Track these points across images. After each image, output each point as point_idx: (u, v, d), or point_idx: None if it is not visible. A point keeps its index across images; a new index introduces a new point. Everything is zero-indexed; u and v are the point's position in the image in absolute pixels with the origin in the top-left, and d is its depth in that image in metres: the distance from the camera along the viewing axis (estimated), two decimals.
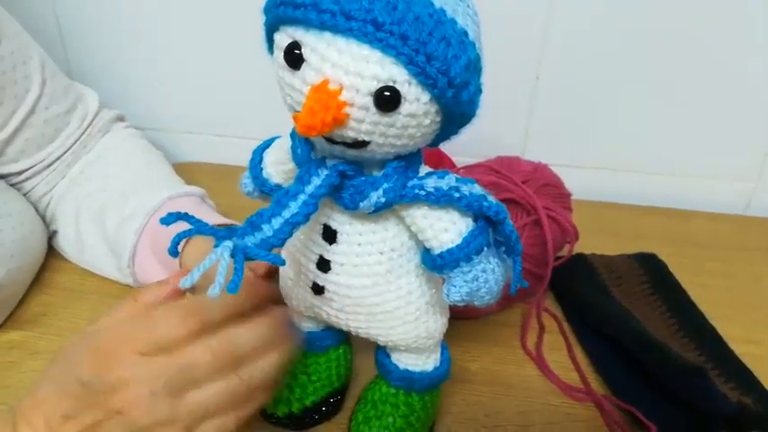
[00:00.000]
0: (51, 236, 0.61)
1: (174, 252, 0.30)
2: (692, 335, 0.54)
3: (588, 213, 0.62)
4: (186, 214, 0.30)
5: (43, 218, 0.60)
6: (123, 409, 0.32)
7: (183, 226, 0.32)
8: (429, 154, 0.59)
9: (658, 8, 0.66)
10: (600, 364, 0.52)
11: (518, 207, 0.54)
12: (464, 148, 0.59)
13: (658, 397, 0.47)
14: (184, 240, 0.50)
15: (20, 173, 0.57)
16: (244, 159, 0.40)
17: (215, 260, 0.28)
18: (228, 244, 0.29)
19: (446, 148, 0.62)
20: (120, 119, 0.65)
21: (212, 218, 0.56)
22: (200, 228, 0.30)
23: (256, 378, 0.36)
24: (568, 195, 0.58)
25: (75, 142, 0.60)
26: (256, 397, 0.37)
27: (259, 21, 0.31)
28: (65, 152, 0.59)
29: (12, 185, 0.57)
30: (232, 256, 0.29)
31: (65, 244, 0.59)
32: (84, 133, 0.60)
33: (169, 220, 0.30)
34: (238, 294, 0.29)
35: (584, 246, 0.59)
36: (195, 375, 0.34)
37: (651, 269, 0.61)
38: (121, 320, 0.37)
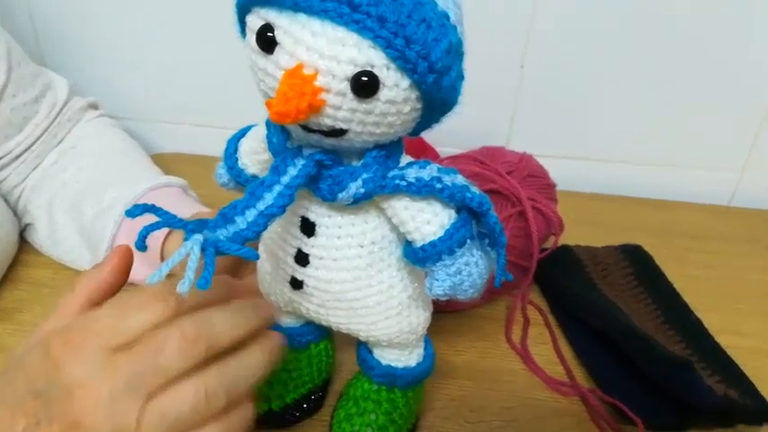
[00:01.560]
0: (23, 229, 0.59)
1: (141, 246, 0.29)
2: (678, 327, 0.53)
3: (573, 204, 0.61)
4: (153, 206, 0.29)
5: (14, 211, 0.58)
6: (80, 417, 0.27)
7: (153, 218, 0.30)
8: (412, 144, 0.58)
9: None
10: (585, 357, 0.51)
11: (502, 198, 0.53)
12: (448, 138, 0.59)
13: (644, 390, 0.47)
14: (166, 232, 0.50)
15: None
16: (223, 150, 0.39)
17: (184, 254, 0.27)
18: (198, 237, 0.28)
19: (429, 137, 0.61)
20: (93, 106, 0.63)
21: (196, 209, 0.55)
22: (167, 220, 0.29)
23: (238, 377, 0.30)
24: (553, 186, 0.58)
25: (43, 132, 0.58)
26: (239, 405, 0.31)
27: None
28: (34, 142, 0.57)
29: None
30: (203, 249, 0.28)
31: (37, 236, 0.58)
32: (53, 122, 0.58)
33: (135, 212, 0.28)
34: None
35: (570, 237, 0.58)
36: (163, 364, 0.28)
37: (636, 261, 0.60)
38: (72, 315, 0.31)
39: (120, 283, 0.34)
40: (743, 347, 0.52)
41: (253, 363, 0.32)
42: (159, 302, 0.29)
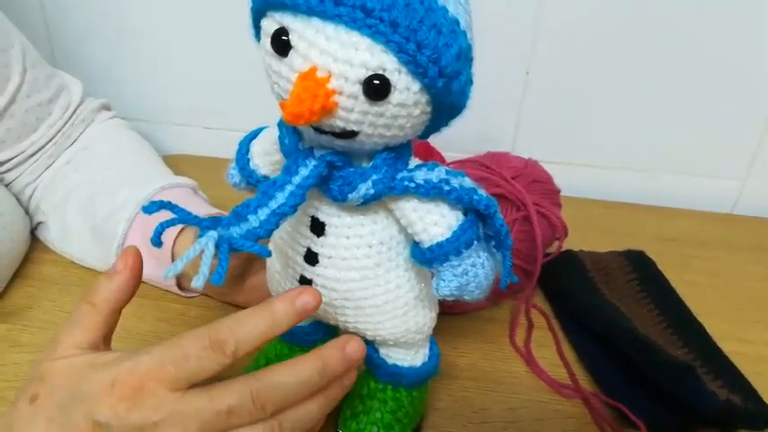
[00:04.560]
0: (35, 227, 0.60)
1: (156, 242, 0.30)
2: (680, 332, 0.53)
3: (577, 210, 0.62)
4: (169, 203, 0.30)
5: (26, 209, 0.59)
6: None
7: (168, 215, 0.31)
8: (418, 148, 0.59)
9: (649, 7, 0.66)
10: (588, 361, 0.51)
11: (507, 203, 0.54)
12: (454, 143, 0.59)
13: (646, 394, 0.47)
14: (178, 231, 0.51)
15: (1, 164, 0.56)
16: (232, 152, 0.40)
17: (199, 250, 0.28)
18: (213, 234, 0.28)
19: (436, 142, 0.62)
20: (106, 108, 0.64)
21: (205, 209, 0.55)
22: (183, 217, 0.30)
23: (299, 424, 0.33)
24: (558, 192, 0.58)
25: (57, 132, 0.59)
26: None
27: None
28: (47, 142, 0.58)
29: None
30: (217, 246, 0.28)
31: (49, 234, 0.59)
32: (66, 123, 0.59)
33: (152, 208, 0.29)
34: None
35: (573, 242, 0.59)
36: (233, 422, 0.30)
37: (639, 266, 0.61)
38: (146, 352, 0.31)
39: (136, 285, 0.35)
40: (746, 354, 0.52)
41: (315, 410, 0.33)
42: (218, 353, 0.30)
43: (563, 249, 0.57)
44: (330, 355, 0.32)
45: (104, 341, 0.34)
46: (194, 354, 0.30)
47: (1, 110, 0.54)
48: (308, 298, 0.32)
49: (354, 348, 0.33)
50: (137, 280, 0.35)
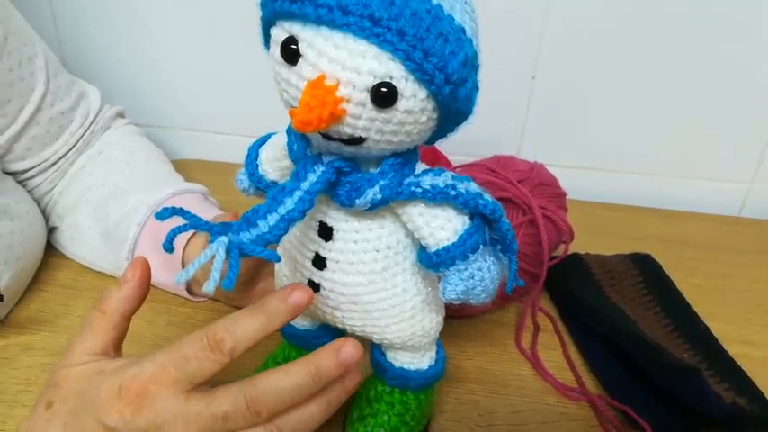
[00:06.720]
0: (49, 232, 0.61)
1: (168, 248, 0.30)
2: (687, 335, 0.54)
3: (583, 213, 0.62)
4: (182, 209, 0.30)
5: (43, 213, 0.60)
6: None
7: (179, 221, 0.32)
8: (425, 152, 0.59)
9: (655, 10, 0.66)
10: (594, 364, 0.52)
11: (513, 206, 0.54)
12: (460, 147, 0.60)
13: (652, 397, 0.47)
14: (188, 236, 0.51)
15: (25, 171, 0.57)
16: (242, 157, 0.40)
17: (210, 256, 0.28)
18: (224, 239, 0.29)
19: (442, 146, 0.62)
20: (121, 115, 0.65)
21: (215, 215, 0.56)
22: (195, 223, 0.30)
23: (301, 425, 0.34)
24: (564, 195, 0.59)
25: (78, 140, 0.60)
26: None
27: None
28: (69, 150, 0.59)
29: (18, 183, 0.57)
30: (227, 251, 0.29)
31: (62, 238, 0.59)
32: (87, 131, 0.60)
33: (164, 214, 0.30)
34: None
35: (580, 245, 0.59)
36: (230, 426, 0.32)
37: (646, 269, 0.61)
38: (149, 359, 0.32)
39: (145, 294, 0.37)
40: (752, 357, 0.52)
41: (311, 416, 0.34)
42: (216, 353, 0.31)
43: (569, 252, 0.57)
44: (323, 359, 0.33)
45: (114, 347, 0.36)
46: (194, 355, 0.31)
47: (28, 118, 0.55)
48: (300, 294, 0.33)
49: (349, 352, 0.33)
50: (145, 289, 0.36)
